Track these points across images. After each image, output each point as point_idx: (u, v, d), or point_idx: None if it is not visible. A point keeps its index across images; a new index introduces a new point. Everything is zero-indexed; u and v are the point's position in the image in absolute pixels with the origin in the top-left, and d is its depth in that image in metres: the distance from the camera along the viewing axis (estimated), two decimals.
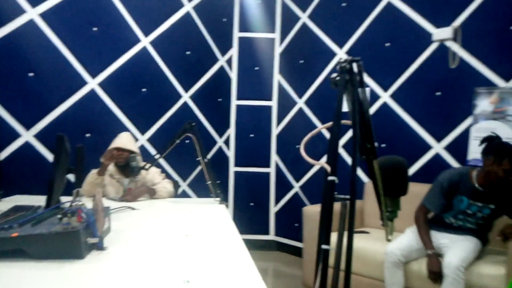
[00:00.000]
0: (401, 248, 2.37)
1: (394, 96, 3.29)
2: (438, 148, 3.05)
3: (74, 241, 1.18)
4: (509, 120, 2.68)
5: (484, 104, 2.79)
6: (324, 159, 3.47)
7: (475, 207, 2.36)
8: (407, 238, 2.46)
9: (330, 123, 0.77)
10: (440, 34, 3.00)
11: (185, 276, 1.06)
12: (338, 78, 0.75)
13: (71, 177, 1.93)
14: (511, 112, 2.67)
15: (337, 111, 0.74)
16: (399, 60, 3.25)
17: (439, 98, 3.06)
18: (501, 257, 2.32)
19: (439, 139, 3.06)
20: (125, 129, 3.39)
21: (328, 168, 0.68)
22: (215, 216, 2.04)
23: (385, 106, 3.33)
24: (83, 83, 3.23)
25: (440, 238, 2.40)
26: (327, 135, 3.59)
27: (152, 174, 2.87)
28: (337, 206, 0.85)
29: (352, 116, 0.78)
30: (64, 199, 1.68)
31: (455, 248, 2.26)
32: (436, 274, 2.23)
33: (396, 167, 0.99)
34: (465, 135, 2.90)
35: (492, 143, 2.29)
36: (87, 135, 3.25)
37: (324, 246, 0.64)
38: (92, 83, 3.28)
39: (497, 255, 2.40)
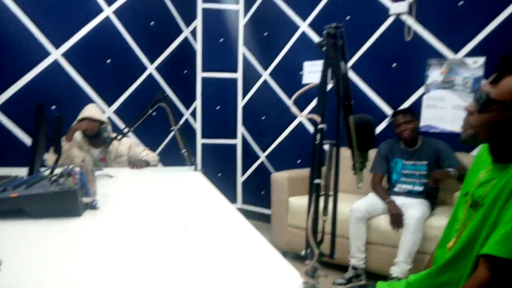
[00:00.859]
0: (365, 205, 2.63)
1: (353, 67, 3.48)
2: None
3: (72, 199, 1.25)
4: (456, 89, 2.95)
5: (435, 74, 3.04)
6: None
7: (408, 166, 2.77)
8: (370, 198, 2.75)
9: (316, 82, 0.89)
10: (396, 8, 3.20)
11: (183, 225, 1.18)
12: (324, 42, 0.87)
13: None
14: (459, 82, 2.94)
15: (324, 70, 0.86)
16: (359, 33, 3.42)
17: (395, 69, 3.28)
18: (448, 211, 2.62)
19: (395, 107, 3.30)
20: (91, 101, 3.35)
21: (318, 119, 0.81)
22: (193, 181, 2.14)
23: None
24: (46, 53, 3.14)
25: (397, 201, 2.66)
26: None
27: (128, 146, 2.94)
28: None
29: (335, 76, 0.91)
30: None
31: (414, 206, 2.54)
32: (397, 217, 2.51)
33: (366, 124, 1.12)
34: (418, 103, 3.15)
35: None
36: (53, 107, 3.18)
37: (316, 181, 0.78)
38: (56, 54, 3.19)
39: (445, 209, 2.71)
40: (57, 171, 1.46)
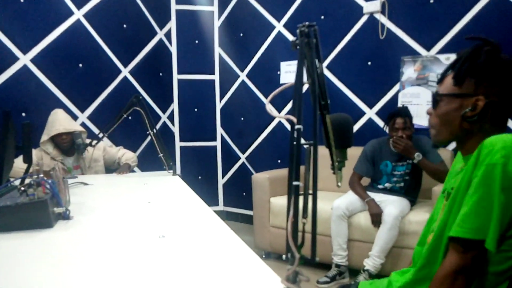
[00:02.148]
0: (345, 203, 2.64)
1: (329, 66, 3.50)
2: (370, 113, 3.33)
3: (42, 210, 1.20)
4: (430, 85, 3.01)
5: (409, 71, 3.09)
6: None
7: (399, 167, 2.73)
8: (349, 196, 2.75)
9: (292, 82, 0.88)
10: (370, 7, 3.23)
11: (160, 233, 1.14)
12: (297, 41, 0.86)
13: None
14: (433, 78, 3.00)
15: (298, 70, 0.85)
16: (334, 32, 3.44)
17: (370, 67, 3.31)
18: (426, 207, 2.67)
19: (371, 105, 3.33)
20: (64, 107, 3.24)
21: (295, 119, 0.79)
22: (172, 186, 2.10)
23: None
24: (14, 59, 3.02)
25: (377, 198, 2.68)
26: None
27: (102, 150, 2.89)
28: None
29: (311, 75, 0.89)
30: None
31: (393, 203, 2.56)
32: (377, 216, 2.53)
33: (344, 122, 1.12)
34: (393, 100, 3.19)
35: None
36: (23, 114, 3.07)
37: (294, 182, 0.76)
38: (24, 59, 3.07)
39: (423, 205, 2.75)
40: (28, 181, 1.40)
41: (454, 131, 1.04)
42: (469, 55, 0.99)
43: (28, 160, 1.86)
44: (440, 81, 1.08)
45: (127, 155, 2.96)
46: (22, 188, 1.29)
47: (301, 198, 0.80)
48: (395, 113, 2.67)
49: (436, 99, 1.07)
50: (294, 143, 0.84)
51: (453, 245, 0.92)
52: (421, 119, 3.02)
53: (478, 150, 0.91)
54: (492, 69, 0.97)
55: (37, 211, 1.19)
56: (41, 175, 1.33)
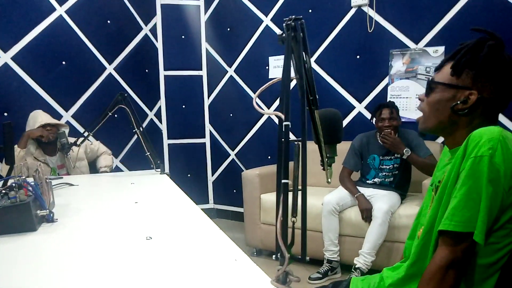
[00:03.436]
0: (336, 198, 2.63)
1: (318, 60, 3.48)
2: (360, 108, 3.32)
3: (25, 213, 1.15)
4: (419, 78, 3.01)
5: (398, 64, 3.09)
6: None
7: (386, 161, 2.72)
8: (340, 191, 2.75)
9: (279, 78, 0.85)
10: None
11: (147, 234, 1.11)
12: (284, 35, 0.83)
13: None
14: (421, 71, 2.99)
15: (285, 65, 0.82)
16: (322, 26, 3.41)
17: (359, 61, 3.30)
18: (417, 200, 2.67)
19: (360, 99, 3.33)
20: (47, 105, 3.17)
21: (283, 116, 0.77)
22: (160, 185, 2.06)
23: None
24: None
25: (366, 192, 2.68)
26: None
27: (84, 148, 2.85)
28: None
29: (298, 70, 0.87)
30: None
31: (382, 198, 2.56)
32: (367, 211, 2.52)
33: (332, 118, 1.10)
34: (383, 94, 3.18)
35: None
36: (5, 114, 2.99)
37: (283, 180, 0.74)
38: (5, 57, 2.99)
39: (413, 198, 2.76)
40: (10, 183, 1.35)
41: (442, 121, 1.03)
42: (472, 46, 0.97)
43: (10, 161, 1.80)
44: (438, 68, 1.06)
45: (106, 161, 2.99)
46: (3, 191, 1.24)
47: (290, 196, 0.78)
48: (382, 104, 2.72)
49: (431, 86, 1.05)
50: (283, 140, 0.82)
51: (443, 238, 0.92)
52: (410, 113, 3.03)
53: (465, 143, 0.91)
54: (492, 65, 0.95)
55: (19, 214, 1.15)
56: (23, 177, 1.29)
